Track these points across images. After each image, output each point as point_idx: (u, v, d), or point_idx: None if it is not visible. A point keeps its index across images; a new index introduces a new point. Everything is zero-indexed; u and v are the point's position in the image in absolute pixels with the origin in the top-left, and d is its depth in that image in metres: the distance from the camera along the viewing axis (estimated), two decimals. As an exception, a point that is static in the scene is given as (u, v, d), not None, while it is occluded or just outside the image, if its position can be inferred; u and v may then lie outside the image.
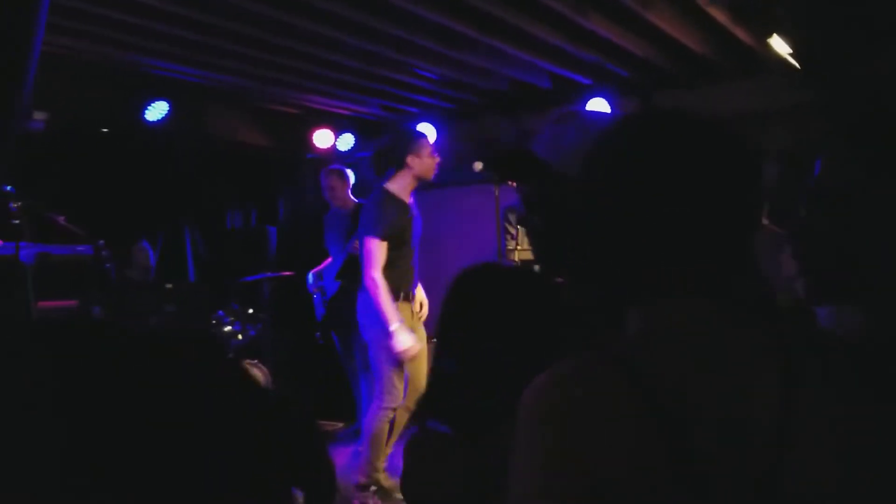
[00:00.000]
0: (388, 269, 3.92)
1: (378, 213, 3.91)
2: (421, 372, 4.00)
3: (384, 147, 4.08)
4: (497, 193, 4.00)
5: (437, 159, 4.01)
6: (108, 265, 3.82)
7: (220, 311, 5.01)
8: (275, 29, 4.41)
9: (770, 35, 4.30)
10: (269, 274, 5.58)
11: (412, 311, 4.03)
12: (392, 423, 3.98)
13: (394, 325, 3.77)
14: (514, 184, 4.10)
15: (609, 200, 0.90)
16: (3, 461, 0.49)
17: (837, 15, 3.64)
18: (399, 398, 3.90)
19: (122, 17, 4.11)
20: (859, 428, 0.81)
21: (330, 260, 5.16)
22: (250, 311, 5.22)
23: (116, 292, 4.33)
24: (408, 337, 3.77)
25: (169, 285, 4.57)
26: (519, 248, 4.56)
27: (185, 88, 5.55)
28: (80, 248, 3.87)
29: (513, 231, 4.66)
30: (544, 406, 0.82)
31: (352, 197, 5.11)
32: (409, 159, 3.95)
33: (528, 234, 1.61)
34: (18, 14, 1.94)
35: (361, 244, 3.94)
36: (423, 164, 3.96)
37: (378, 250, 3.87)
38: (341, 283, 4.88)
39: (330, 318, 4.95)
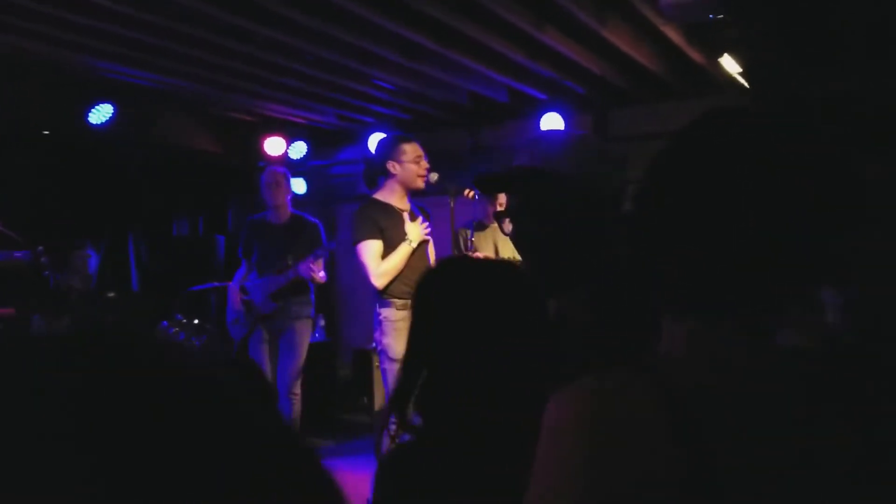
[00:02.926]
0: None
1: (355, 221, 3.79)
2: None
3: (371, 156, 3.97)
4: (452, 205, 3.93)
5: (425, 166, 3.79)
6: (46, 272, 3.66)
7: (165, 322, 4.86)
8: (229, 33, 4.31)
9: (721, 55, 4.38)
10: (215, 284, 5.43)
11: None
12: None
13: (410, 243, 3.71)
14: (472, 195, 4.03)
15: (680, 208, 0.86)
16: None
17: (787, 36, 3.73)
18: None
19: (67, 16, 3.97)
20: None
21: (244, 270, 4.83)
22: (196, 321, 5.07)
23: (56, 300, 4.16)
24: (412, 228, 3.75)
25: (111, 294, 4.41)
26: (473, 260, 4.52)
27: (133, 91, 5.39)
28: (17, 255, 3.70)
29: (466, 245, 4.63)
30: (575, 416, 0.80)
31: (289, 206, 4.85)
32: (390, 165, 3.80)
33: (521, 243, 1.59)
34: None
35: (355, 256, 3.77)
36: (405, 170, 3.77)
37: (368, 250, 3.73)
38: (279, 304, 4.61)
39: (259, 334, 4.67)
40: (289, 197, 4.86)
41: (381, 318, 3.80)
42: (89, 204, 5.65)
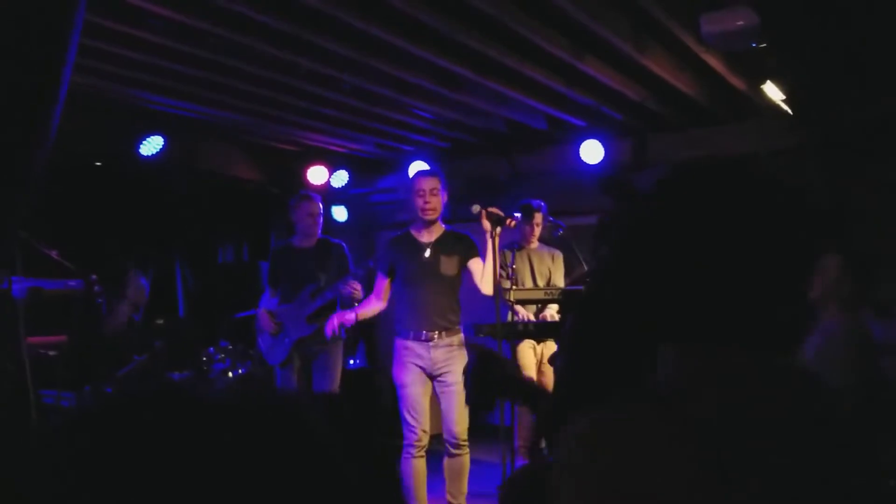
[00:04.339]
0: (398, 307, 4.10)
1: (381, 251, 4.14)
2: (453, 412, 3.98)
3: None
4: (498, 230, 3.99)
5: (424, 199, 3.98)
6: (99, 300, 3.77)
7: (210, 349, 4.94)
8: (272, 66, 4.43)
9: (764, 81, 4.36)
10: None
11: (430, 352, 3.97)
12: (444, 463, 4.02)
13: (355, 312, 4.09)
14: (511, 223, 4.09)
15: (663, 240, 0.90)
16: None
17: (829, 62, 3.71)
18: (413, 435, 3.93)
19: (118, 51, 4.11)
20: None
21: (267, 297, 4.79)
22: (241, 347, 5.14)
23: (107, 327, 4.27)
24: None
25: (159, 321, 4.51)
26: (514, 287, 4.55)
27: (181, 123, 5.55)
28: (71, 283, 3.83)
29: (508, 271, 4.67)
30: (596, 448, 0.82)
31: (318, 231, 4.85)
32: (410, 201, 4.08)
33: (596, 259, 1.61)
34: (49, 51, 1.95)
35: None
36: (413, 204, 4.04)
37: (377, 281, 4.17)
38: (318, 325, 4.53)
39: (303, 360, 4.64)
40: (321, 224, 4.89)
41: (394, 346, 4.09)
42: (139, 232, 5.80)
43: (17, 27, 1.89)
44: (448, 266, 4.04)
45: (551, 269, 5.18)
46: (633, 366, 1.04)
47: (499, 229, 3.93)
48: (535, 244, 5.17)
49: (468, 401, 1.62)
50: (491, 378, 1.73)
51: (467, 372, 1.60)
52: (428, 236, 4.06)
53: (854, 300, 3.05)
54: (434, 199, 3.99)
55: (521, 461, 4.60)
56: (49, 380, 3.97)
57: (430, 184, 4.00)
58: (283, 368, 4.65)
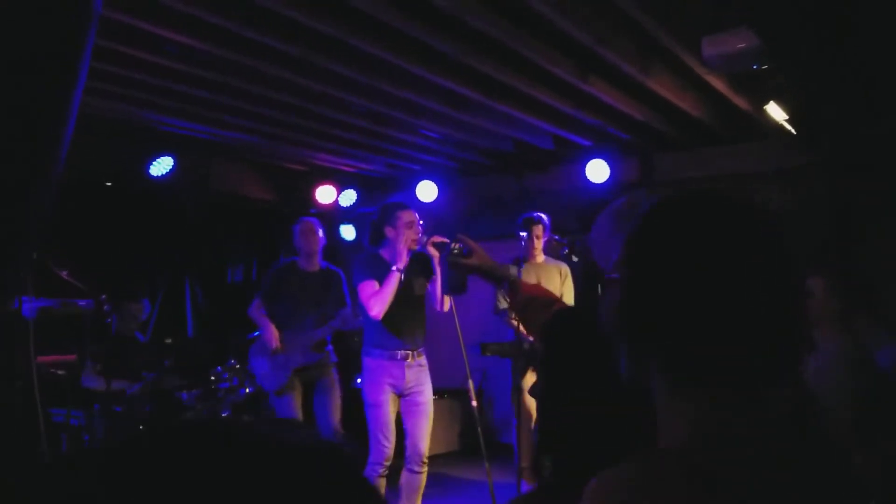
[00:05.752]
0: (369, 326, 4.10)
1: (359, 266, 4.09)
2: (420, 430, 4.05)
3: (373, 220, 4.19)
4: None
5: (416, 230, 4.04)
6: (109, 320, 3.81)
7: (219, 367, 4.96)
8: (282, 88, 4.49)
9: (767, 102, 4.39)
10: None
11: (403, 371, 4.04)
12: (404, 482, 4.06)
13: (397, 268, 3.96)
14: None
15: (653, 281, 0.89)
16: None
17: (830, 81, 3.72)
18: (384, 454, 3.98)
19: (128, 74, 4.18)
20: None
21: (255, 308, 4.70)
22: (249, 367, 5.15)
23: (115, 347, 4.31)
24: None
25: (168, 340, 4.54)
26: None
27: (190, 143, 5.61)
28: (81, 303, 3.87)
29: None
30: None
31: (320, 255, 4.78)
32: (387, 230, 4.07)
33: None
34: (59, 73, 1.99)
35: (358, 294, 4.04)
36: (399, 234, 4.03)
37: (370, 287, 3.99)
38: (322, 355, 4.55)
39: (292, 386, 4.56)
40: (321, 246, 4.79)
41: (364, 365, 4.12)
42: (149, 252, 5.85)
43: (27, 50, 1.94)
44: (419, 288, 4.15)
45: (560, 285, 5.09)
46: (622, 399, 1.04)
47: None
48: (540, 258, 5.11)
49: (445, 288, 1.68)
50: (462, 262, 1.89)
51: (442, 258, 1.67)
52: (396, 261, 4.07)
53: (846, 320, 3.05)
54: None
55: (525, 483, 4.59)
56: (59, 399, 4.01)
57: (417, 216, 4.11)
58: (282, 395, 4.55)
